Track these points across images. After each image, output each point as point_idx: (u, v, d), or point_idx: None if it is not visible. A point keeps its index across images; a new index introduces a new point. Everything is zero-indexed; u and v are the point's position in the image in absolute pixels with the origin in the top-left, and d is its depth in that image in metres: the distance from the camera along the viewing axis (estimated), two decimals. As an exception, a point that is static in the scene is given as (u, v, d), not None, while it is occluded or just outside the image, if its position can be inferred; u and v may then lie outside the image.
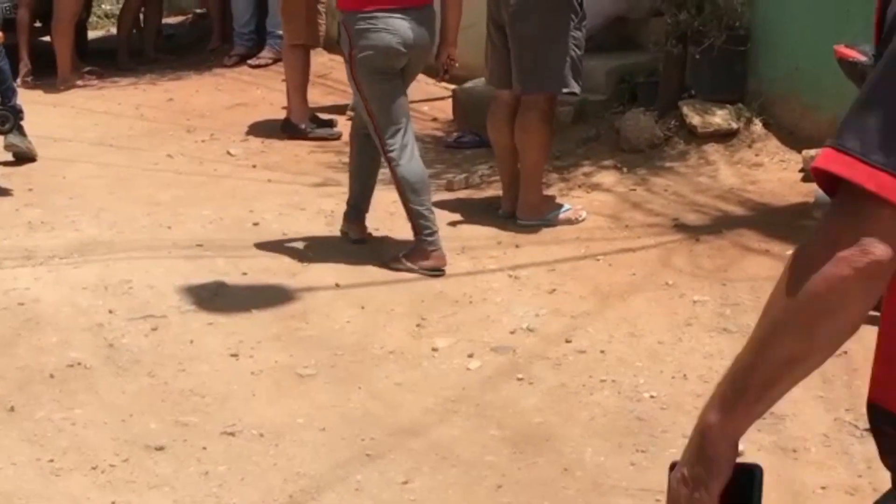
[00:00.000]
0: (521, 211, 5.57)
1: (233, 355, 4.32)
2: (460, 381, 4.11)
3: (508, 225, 5.56)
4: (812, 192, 5.20)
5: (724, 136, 6.29)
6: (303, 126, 7.22)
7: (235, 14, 9.32)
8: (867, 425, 4.13)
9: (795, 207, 5.45)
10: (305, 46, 7.34)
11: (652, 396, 3.90)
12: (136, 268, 5.11)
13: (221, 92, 8.53)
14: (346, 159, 5.63)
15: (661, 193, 5.88)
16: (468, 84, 7.30)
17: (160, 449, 3.68)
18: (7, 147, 6.63)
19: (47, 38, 9.15)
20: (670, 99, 6.47)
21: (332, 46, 8.05)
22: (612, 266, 5.00)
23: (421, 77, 8.10)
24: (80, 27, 9.53)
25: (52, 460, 3.62)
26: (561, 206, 5.64)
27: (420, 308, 4.70)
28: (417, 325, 4.55)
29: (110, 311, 4.67)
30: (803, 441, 3.60)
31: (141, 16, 10.02)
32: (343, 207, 5.45)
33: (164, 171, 6.64)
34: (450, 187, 6.17)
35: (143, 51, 9.72)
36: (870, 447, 3.52)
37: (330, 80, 8.42)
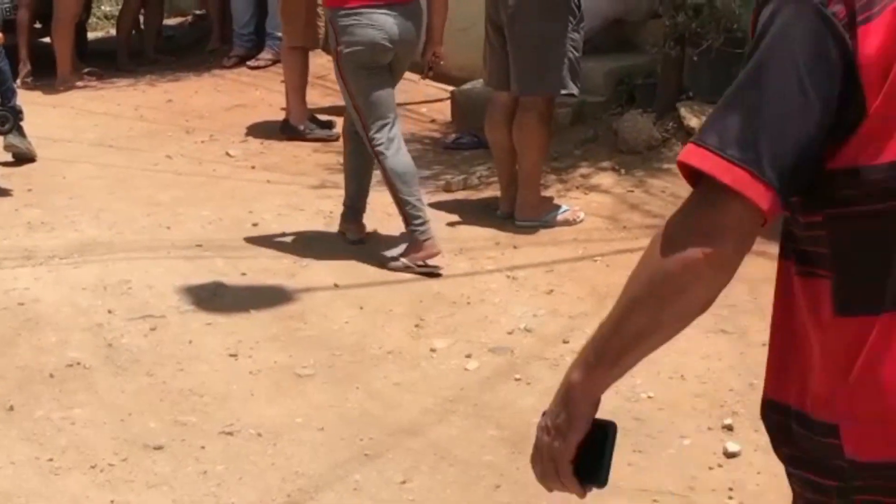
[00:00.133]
0: (519, 212, 5.58)
1: (231, 355, 4.33)
2: (458, 382, 4.12)
3: (506, 226, 5.57)
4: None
5: (722, 138, 6.29)
6: (301, 127, 7.23)
7: (235, 15, 9.32)
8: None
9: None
10: (304, 48, 7.35)
11: (649, 397, 3.91)
12: (136, 268, 5.12)
13: (221, 93, 8.53)
14: (344, 160, 5.64)
15: (658, 195, 5.89)
16: (466, 86, 7.31)
17: (159, 448, 3.69)
18: (7, 147, 6.63)
19: (47, 40, 9.16)
20: (668, 101, 6.48)
21: (330, 48, 8.05)
22: (610, 267, 5.01)
23: (420, 78, 8.17)
24: (80, 28, 9.54)
25: (51, 459, 3.63)
26: (559, 207, 5.65)
27: (418, 308, 4.71)
28: (416, 326, 4.56)
29: (109, 311, 4.68)
30: (800, 441, 3.61)
31: (141, 17, 10.02)
32: (340, 208, 5.47)
33: (163, 171, 6.65)
34: (448, 188, 6.18)
35: (143, 52, 9.72)
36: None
37: (329, 81, 8.40)
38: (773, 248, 1.64)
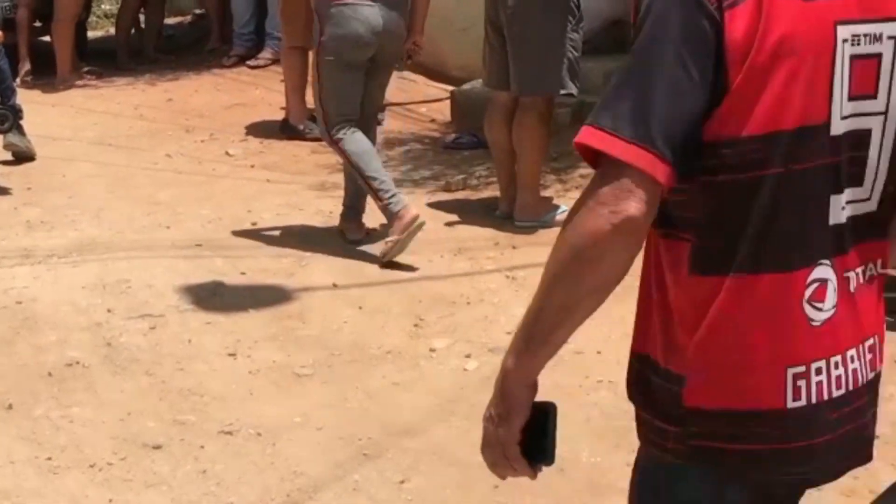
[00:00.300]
0: (518, 212, 5.58)
1: (231, 355, 4.33)
2: (458, 382, 4.12)
3: (506, 226, 5.57)
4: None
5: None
6: (301, 127, 7.23)
7: (235, 15, 9.33)
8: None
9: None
10: (304, 48, 7.33)
11: (648, 397, 3.91)
12: (135, 267, 5.12)
13: (220, 92, 8.54)
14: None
15: (658, 195, 5.89)
16: (466, 86, 7.31)
17: (158, 447, 3.69)
18: (6, 146, 6.64)
19: (47, 38, 9.16)
20: (667, 101, 6.47)
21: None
22: (609, 267, 5.01)
23: (419, 78, 8.17)
24: (80, 27, 9.54)
25: (49, 458, 3.63)
26: (558, 207, 5.65)
27: (418, 308, 4.71)
28: (415, 326, 4.56)
29: (109, 310, 4.68)
30: (799, 442, 3.61)
31: (142, 16, 10.03)
32: (339, 208, 5.47)
33: (163, 170, 6.65)
34: (448, 188, 6.18)
35: (143, 51, 9.73)
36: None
37: (329, 80, 8.42)
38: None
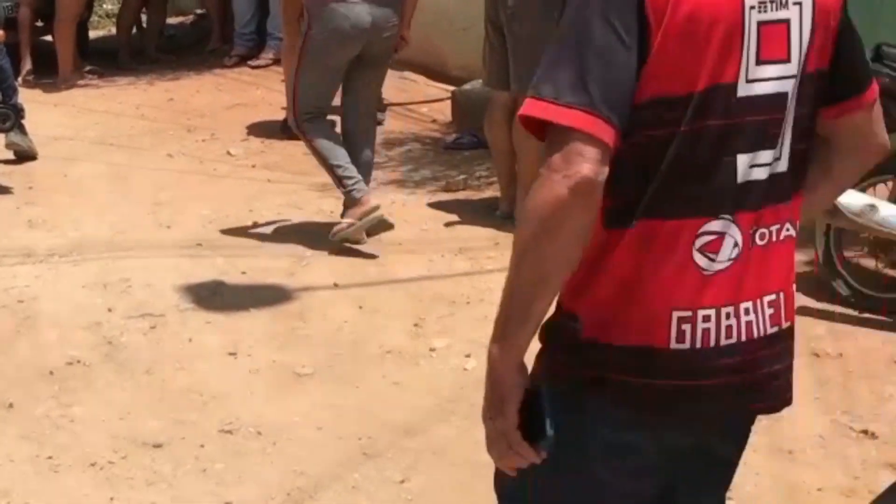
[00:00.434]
0: (518, 212, 5.58)
1: (231, 354, 4.34)
2: (458, 381, 4.12)
3: (506, 226, 5.56)
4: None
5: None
6: (302, 127, 7.22)
7: (236, 15, 9.33)
8: (863, 427, 4.13)
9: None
10: (305, 48, 7.34)
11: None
12: (136, 266, 5.12)
13: (222, 92, 8.54)
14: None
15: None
16: (466, 86, 7.31)
17: (158, 446, 3.69)
18: (8, 145, 6.64)
19: (49, 38, 9.16)
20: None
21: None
22: (610, 267, 5.01)
23: (420, 78, 8.18)
24: (82, 27, 9.54)
25: (50, 457, 3.64)
26: (558, 207, 5.64)
27: (418, 308, 4.71)
28: (415, 325, 4.56)
29: (109, 310, 4.69)
30: (799, 443, 3.61)
31: (143, 16, 10.03)
32: (340, 208, 5.47)
33: (164, 170, 6.65)
34: (448, 188, 6.18)
35: (145, 51, 9.73)
36: (866, 449, 3.55)
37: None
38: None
